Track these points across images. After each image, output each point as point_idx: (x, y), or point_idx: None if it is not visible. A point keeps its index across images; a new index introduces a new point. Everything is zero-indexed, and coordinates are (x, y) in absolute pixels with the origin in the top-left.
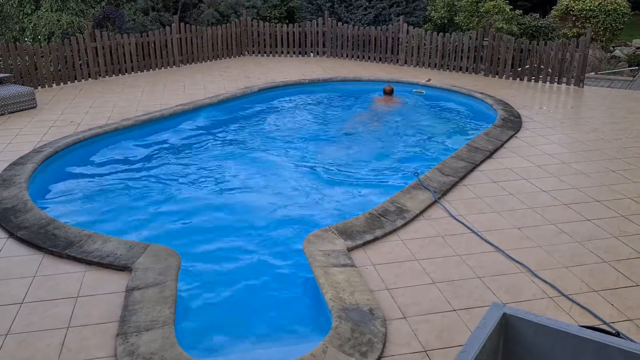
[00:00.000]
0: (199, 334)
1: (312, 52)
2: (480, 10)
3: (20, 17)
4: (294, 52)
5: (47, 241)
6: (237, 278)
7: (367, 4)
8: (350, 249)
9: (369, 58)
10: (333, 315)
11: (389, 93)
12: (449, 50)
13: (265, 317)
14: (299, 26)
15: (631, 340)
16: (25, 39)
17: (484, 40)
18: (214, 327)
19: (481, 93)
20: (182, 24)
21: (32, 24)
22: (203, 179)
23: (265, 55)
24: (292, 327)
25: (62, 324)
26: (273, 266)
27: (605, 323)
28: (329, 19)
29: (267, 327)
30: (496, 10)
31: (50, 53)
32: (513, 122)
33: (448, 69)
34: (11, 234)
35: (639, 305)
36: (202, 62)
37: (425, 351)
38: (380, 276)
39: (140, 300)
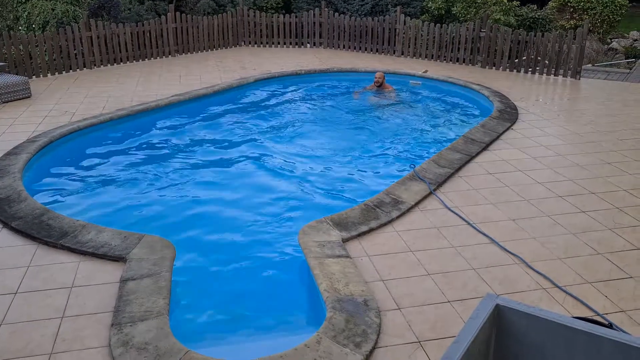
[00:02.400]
0: (193, 324)
1: (308, 42)
2: (478, 1)
3: (15, 6)
4: (291, 43)
5: (41, 231)
6: (232, 269)
7: None
8: (345, 240)
9: (365, 49)
10: (327, 306)
11: (380, 83)
12: (446, 41)
13: (259, 307)
14: (296, 16)
15: (624, 332)
16: (20, 27)
17: (481, 31)
18: (208, 318)
19: (478, 84)
20: (177, 14)
21: (26, 13)
22: (198, 170)
23: (261, 45)
24: (286, 317)
25: (56, 314)
26: (268, 257)
27: (598, 314)
28: (326, 9)
29: (261, 318)
30: (494, 1)
31: (44, 42)
32: (509, 114)
33: (445, 60)
34: (5, 224)
35: (632, 297)
36: (197, 52)
37: (419, 342)
38: (375, 267)
39: (135, 290)
